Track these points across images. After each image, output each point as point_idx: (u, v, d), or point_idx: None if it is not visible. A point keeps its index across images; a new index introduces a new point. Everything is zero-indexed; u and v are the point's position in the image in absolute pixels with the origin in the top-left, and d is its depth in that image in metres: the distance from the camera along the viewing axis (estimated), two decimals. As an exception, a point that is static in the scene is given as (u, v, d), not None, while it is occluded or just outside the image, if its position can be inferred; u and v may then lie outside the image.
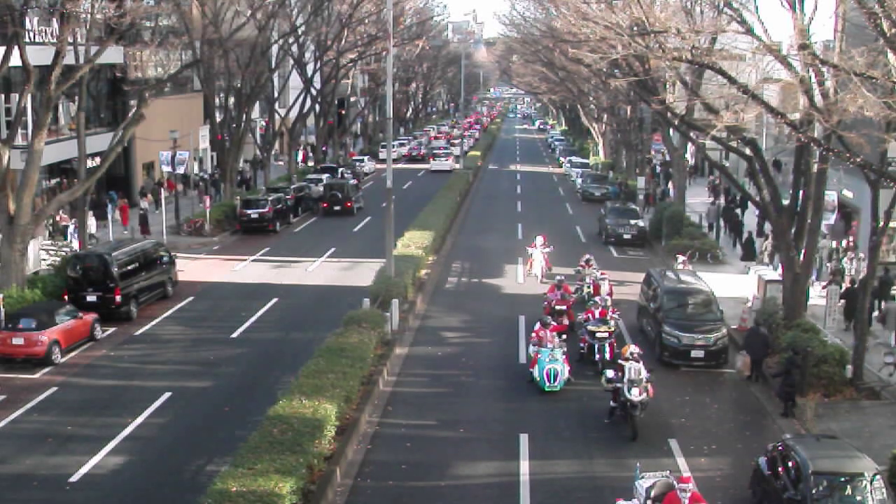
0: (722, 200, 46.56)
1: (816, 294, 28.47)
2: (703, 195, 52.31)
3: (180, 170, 43.47)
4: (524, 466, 17.82)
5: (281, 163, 69.37)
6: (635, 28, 22.99)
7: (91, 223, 37.48)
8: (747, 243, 36.29)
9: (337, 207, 49.47)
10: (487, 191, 62.58)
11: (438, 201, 46.19)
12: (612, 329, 24.20)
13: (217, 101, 48.69)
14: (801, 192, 24.51)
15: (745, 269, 33.08)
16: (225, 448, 17.86)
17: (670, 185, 51.35)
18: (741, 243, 37.66)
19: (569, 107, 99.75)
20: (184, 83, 55.30)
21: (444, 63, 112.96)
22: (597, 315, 24.52)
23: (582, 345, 24.32)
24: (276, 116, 58.81)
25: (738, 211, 43.52)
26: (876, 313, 27.36)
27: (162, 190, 44.68)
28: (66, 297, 27.11)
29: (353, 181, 55.40)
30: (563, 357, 22.17)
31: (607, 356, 23.26)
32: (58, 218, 38.58)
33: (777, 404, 21.35)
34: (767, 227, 37.67)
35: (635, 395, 19.04)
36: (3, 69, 27.30)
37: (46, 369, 23.39)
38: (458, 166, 71.42)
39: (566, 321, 26.48)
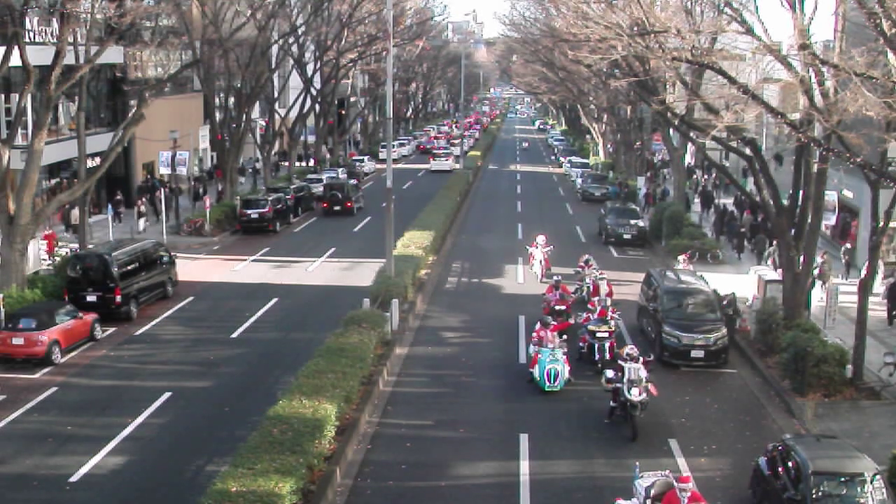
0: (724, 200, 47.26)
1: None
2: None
3: (182, 170, 43.54)
4: (524, 466, 17.81)
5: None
6: (635, 28, 22.99)
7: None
8: (718, 217, 40.88)
9: (337, 207, 49.46)
10: (487, 191, 62.56)
11: (438, 201, 46.16)
12: (612, 329, 24.21)
13: (217, 101, 48.67)
14: (801, 192, 24.50)
15: (716, 237, 39.71)
16: (225, 448, 17.86)
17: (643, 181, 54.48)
18: (716, 219, 41.48)
19: (569, 107, 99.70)
20: (184, 83, 55.30)
21: (444, 63, 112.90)
22: (596, 315, 24.53)
23: (582, 345, 24.32)
24: (276, 116, 58.82)
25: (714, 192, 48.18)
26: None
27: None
28: (66, 297, 27.13)
29: (352, 181, 55.35)
30: (564, 357, 22.18)
31: (607, 356, 23.27)
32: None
33: (777, 404, 21.40)
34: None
35: (635, 395, 19.03)
36: (3, 69, 27.30)
37: (46, 369, 23.39)
38: (458, 166, 71.40)
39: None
